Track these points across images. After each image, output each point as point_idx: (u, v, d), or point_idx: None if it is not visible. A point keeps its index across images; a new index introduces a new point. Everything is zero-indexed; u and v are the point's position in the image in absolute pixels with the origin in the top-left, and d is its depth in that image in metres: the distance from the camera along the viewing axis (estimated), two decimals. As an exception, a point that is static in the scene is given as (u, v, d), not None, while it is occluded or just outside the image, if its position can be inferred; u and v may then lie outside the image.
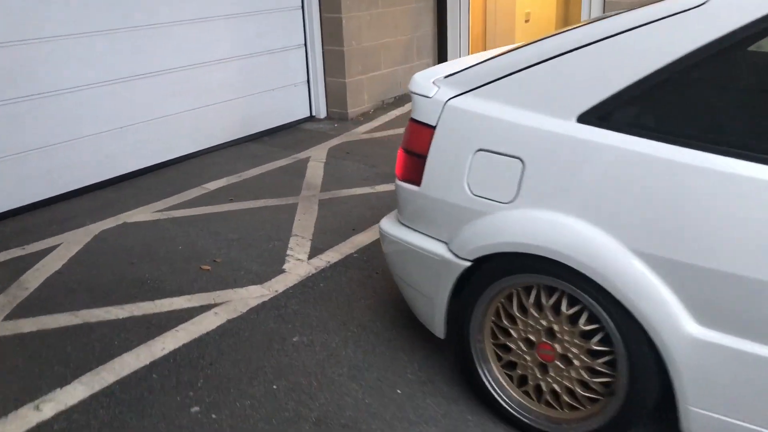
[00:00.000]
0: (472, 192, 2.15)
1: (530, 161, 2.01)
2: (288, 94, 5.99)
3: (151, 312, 2.94)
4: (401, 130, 5.72)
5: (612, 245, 1.86)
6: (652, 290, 1.80)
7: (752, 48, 1.79)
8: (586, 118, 1.94)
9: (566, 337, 2.05)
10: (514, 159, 2.05)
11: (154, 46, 4.80)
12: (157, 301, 3.02)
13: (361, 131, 5.77)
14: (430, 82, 2.36)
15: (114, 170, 4.68)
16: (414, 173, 2.34)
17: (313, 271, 3.29)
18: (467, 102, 2.20)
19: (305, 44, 6.04)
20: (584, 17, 6.54)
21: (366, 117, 6.21)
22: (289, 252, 3.52)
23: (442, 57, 7.02)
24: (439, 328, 2.40)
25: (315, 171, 4.81)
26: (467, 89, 2.22)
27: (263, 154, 5.25)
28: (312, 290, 3.11)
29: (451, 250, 2.23)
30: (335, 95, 6.19)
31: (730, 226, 1.68)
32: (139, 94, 4.77)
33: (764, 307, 1.65)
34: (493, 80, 2.16)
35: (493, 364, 2.28)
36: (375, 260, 3.40)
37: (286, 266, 3.36)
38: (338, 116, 6.21)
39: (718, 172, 1.69)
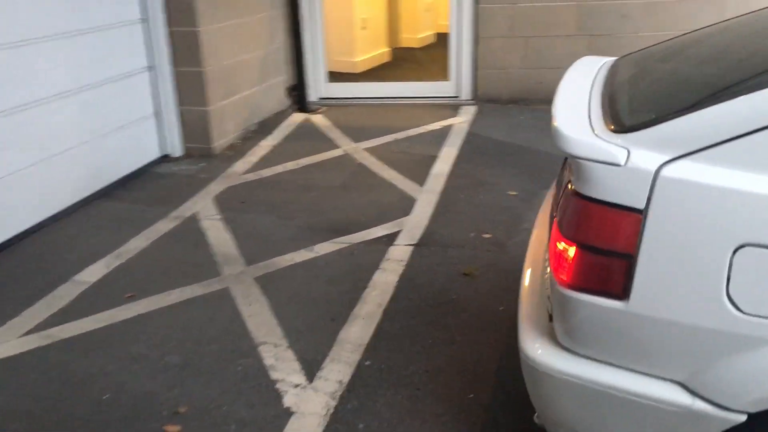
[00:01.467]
0: (740, 309, 1.42)
1: None
2: (136, 131, 4.68)
3: None
4: (290, 166, 4.74)
5: None
6: None
7: None
8: None
9: None
10: (815, 257, 1.36)
11: (-39, 84, 3.32)
12: None
13: (240, 171, 4.69)
14: (602, 140, 1.57)
15: (-76, 272, 3.15)
16: (608, 281, 1.53)
17: (333, 404, 2.30)
18: (701, 171, 1.44)
19: (151, 67, 4.77)
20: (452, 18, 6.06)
21: (236, 151, 5.11)
22: (274, 375, 2.47)
23: (299, 72, 6.10)
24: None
25: (218, 234, 3.69)
26: (690, 150, 1.46)
27: (130, 216, 3.97)
28: (355, 439, 2.14)
29: (702, 397, 1.48)
30: (193, 127, 5.00)
31: None
32: (-53, 155, 3.26)
33: None
34: (742, 135, 1.43)
35: None
36: (397, 366, 2.50)
37: (288, 402, 2.32)
38: (200, 153, 5.03)
39: None
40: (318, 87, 6.35)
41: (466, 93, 6.19)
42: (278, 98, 6.03)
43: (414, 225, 3.74)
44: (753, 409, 1.43)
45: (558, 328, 1.67)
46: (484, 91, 6.13)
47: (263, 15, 5.58)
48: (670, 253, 1.46)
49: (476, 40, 6.01)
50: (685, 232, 1.45)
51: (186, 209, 4.05)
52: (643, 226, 1.48)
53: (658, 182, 1.47)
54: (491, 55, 6.03)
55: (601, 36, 5.87)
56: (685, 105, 1.58)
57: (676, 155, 1.47)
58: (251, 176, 4.58)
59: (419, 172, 4.53)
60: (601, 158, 1.53)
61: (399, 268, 3.26)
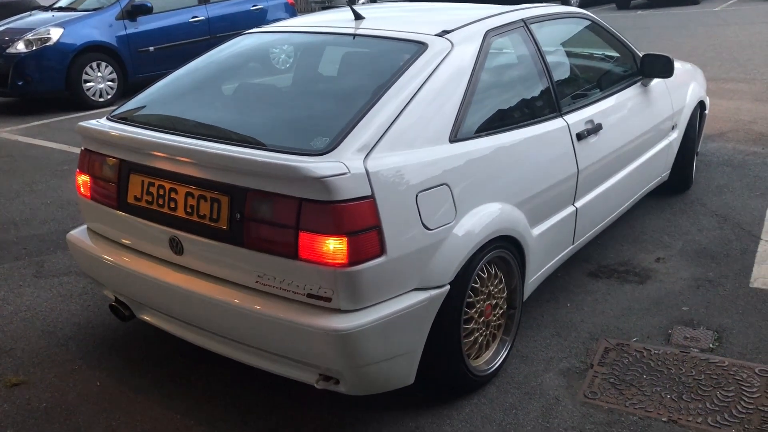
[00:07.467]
0: (428, 228, 2.39)
1: (452, 183, 2.50)
2: None
3: None
4: None
5: (515, 210, 2.77)
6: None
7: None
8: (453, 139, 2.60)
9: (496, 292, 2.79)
10: (443, 186, 2.46)
11: None
12: None
13: None
14: (329, 161, 2.22)
15: None
16: (373, 247, 2.24)
17: None
18: (381, 161, 2.31)
19: None
20: None
21: None
22: None
23: None
24: (412, 376, 2.49)
25: None
26: (368, 150, 2.31)
27: None
28: None
29: (430, 288, 2.41)
30: None
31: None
32: None
33: (548, 201, 3.03)
34: (384, 133, 2.39)
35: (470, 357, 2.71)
36: None
37: None
38: None
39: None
40: None
41: None
42: None
43: None
44: (450, 280, 2.47)
45: (342, 299, 2.22)
46: None
47: None
48: (393, 212, 2.29)
49: None
50: (394, 199, 2.30)
51: None
52: (376, 203, 2.25)
53: (371, 176, 2.25)
54: None
55: None
56: (340, 121, 2.39)
57: (363, 157, 2.28)
58: None
59: None
60: (334, 173, 2.18)
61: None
